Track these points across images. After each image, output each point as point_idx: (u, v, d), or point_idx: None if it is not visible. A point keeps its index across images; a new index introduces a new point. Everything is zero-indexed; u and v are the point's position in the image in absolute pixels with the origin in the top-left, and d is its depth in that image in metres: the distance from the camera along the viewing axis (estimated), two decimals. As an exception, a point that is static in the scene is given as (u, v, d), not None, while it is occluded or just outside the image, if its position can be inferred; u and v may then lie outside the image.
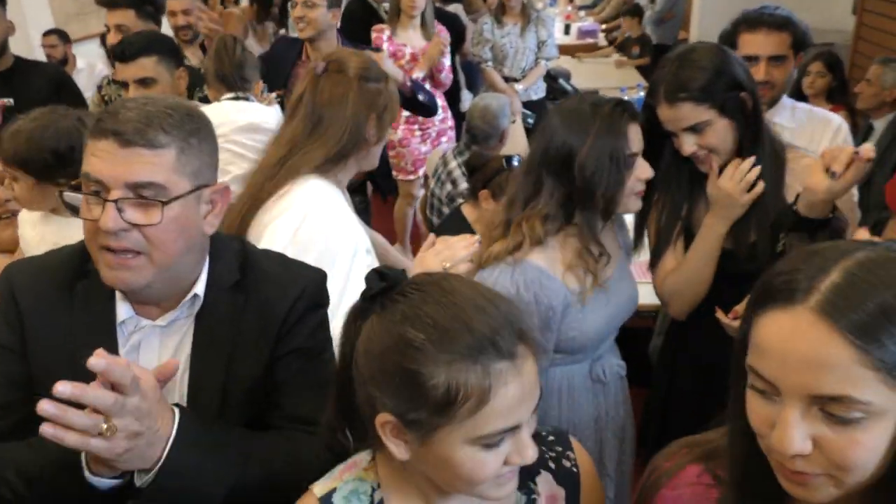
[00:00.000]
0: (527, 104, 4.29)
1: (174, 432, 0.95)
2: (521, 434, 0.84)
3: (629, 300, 1.68)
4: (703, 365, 1.80)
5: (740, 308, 1.63)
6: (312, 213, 1.52)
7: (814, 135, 2.05)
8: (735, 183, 1.55)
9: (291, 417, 1.12)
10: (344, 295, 1.48)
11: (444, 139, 3.96)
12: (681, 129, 1.54)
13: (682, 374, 1.87)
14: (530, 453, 0.85)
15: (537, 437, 0.93)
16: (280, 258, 1.25)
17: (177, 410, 0.98)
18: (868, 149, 1.38)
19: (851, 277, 0.67)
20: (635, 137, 1.49)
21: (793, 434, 0.68)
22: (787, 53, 1.97)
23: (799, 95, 3.55)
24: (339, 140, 1.58)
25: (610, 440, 1.72)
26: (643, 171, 1.51)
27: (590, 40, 6.92)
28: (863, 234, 1.28)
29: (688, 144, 1.55)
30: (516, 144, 3.94)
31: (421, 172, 3.98)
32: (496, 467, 0.83)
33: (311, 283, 1.18)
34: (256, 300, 1.13)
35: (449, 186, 3.17)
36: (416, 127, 3.90)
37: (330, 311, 1.24)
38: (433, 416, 0.80)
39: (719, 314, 1.62)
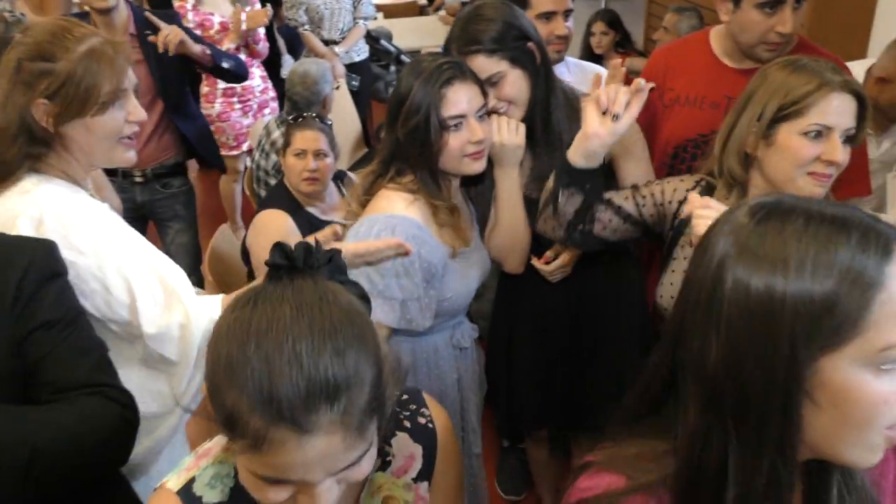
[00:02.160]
0: (349, 67, 4.21)
1: None
2: (314, 489, 0.75)
3: (488, 263, 1.73)
4: (539, 311, 1.89)
5: (550, 253, 1.72)
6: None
7: (590, 87, 2.19)
8: (504, 131, 1.59)
9: (65, 388, 1.08)
10: None
11: (266, 111, 3.82)
12: None
13: (522, 322, 1.95)
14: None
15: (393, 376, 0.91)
16: None
17: None
18: (639, 81, 1.41)
19: None
20: (459, 98, 1.48)
21: None
22: (572, 7, 2.08)
23: (591, 55, 3.90)
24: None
25: (470, 397, 1.77)
26: (473, 133, 1.50)
27: (410, -1, 6.89)
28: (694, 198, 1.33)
29: (489, 99, 1.57)
30: (343, 109, 3.88)
31: (245, 147, 3.82)
32: (275, 498, 0.76)
33: (37, 255, 1.12)
34: None
35: (274, 157, 3.06)
36: (234, 100, 3.73)
37: None
38: (223, 426, 0.75)
39: (534, 261, 1.70)
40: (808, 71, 1.27)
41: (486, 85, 1.56)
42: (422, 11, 6.95)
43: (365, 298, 0.85)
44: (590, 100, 1.40)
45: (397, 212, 1.51)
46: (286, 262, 0.79)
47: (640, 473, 0.76)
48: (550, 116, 1.63)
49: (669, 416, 0.76)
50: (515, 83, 1.58)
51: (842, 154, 1.26)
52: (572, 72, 2.22)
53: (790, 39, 1.74)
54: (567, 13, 2.04)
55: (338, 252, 0.84)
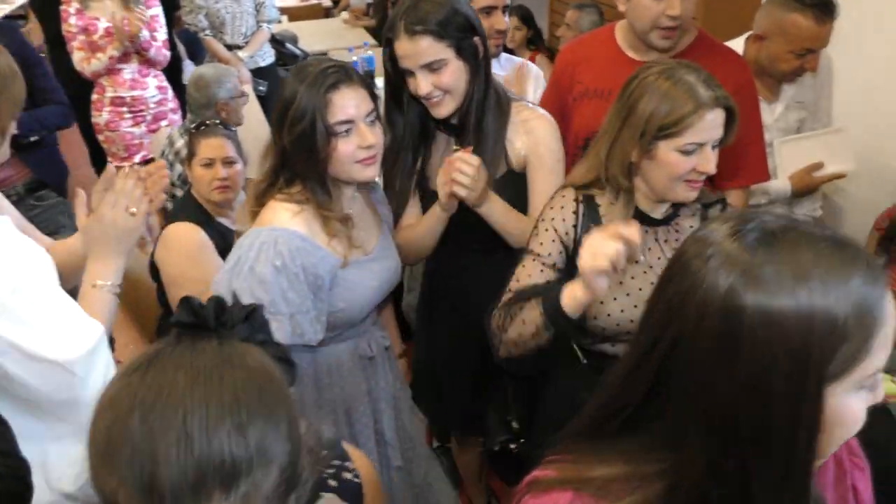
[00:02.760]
0: (255, 72, 4.09)
1: None
2: None
3: (394, 273, 1.68)
4: (460, 311, 1.89)
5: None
6: None
7: (519, 81, 2.26)
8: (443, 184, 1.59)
9: None
10: None
11: (163, 122, 3.64)
12: (418, 65, 1.55)
13: (441, 322, 1.95)
14: None
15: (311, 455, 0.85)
16: None
17: None
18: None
19: None
20: (346, 103, 1.44)
21: None
22: (509, 2, 2.15)
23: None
24: None
25: (384, 409, 1.72)
26: (363, 138, 1.46)
27: (313, 1, 6.80)
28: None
29: (424, 83, 1.57)
30: (251, 115, 3.76)
31: (137, 158, 3.64)
32: None
33: None
34: None
35: (179, 167, 2.94)
36: (124, 109, 3.55)
37: None
38: None
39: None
40: (684, 87, 1.34)
41: (424, 69, 1.56)
42: (327, 14, 6.88)
43: (286, 361, 0.76)
44: (600, 268, 1.21)
45: (281, 224, 1.46)
46: (194, 321, 0.69)
47: (617, 495, 0.73)
48: (484, 116, 1.64)
49: (640, 438, 0.74)
50: (455, 73, 1.57)
51: (712, 164, 1.38)
52: (503, 65, 2.29)
53: (685, 26, 1.80)
54: (505, 8, 2.09)
55: (258, 307, 0.75)
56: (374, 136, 1.47)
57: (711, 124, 1.35)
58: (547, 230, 1.48)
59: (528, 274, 1.47)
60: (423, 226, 1.72)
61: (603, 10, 3.70)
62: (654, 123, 1.35)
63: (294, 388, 1.54)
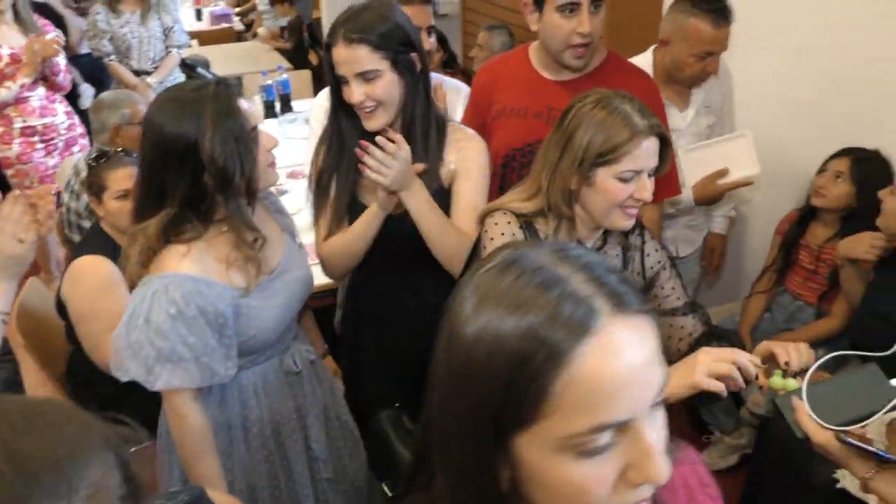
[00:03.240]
0: (165, 98, 3.98)
1: None
2: None
3: (304, 283, 1.64)
4: (381, 321, 1.87)
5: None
6: None
7: (451, 101, 2.29)
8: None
9: None
10: None
11: (75, 148, 3.50)
12: (353, 73, 1.56)
13: (365, 331, 1.93)
14: None
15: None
16: None
17: None
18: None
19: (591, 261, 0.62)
20: (249, 111, 1.44)
21: (662, 452, 0.58)
22: (434, 23, 2.22)
23: None
24: None
25: (313, 424, 1.70)
26: (268, 140, 1.47)
27: (224, 25, 6.69)
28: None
29: (357, 92, 1.57)
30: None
31: (53, 190, 3.48)
32: None
33: None
34: None
35: (86, 197, 2.80)
36: (36, 139, 3.39)
37: None
38: None
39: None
40: (620, 116, 1.38)
41: (359, 78, 1.57)
42: (239, 38, 6.77)
43: None
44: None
45: (171, 268, 1.40)
46: None
47: None
48: (430, 132, 1.65)
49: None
50: (388, 86, 1.58)
51: (649, 191, 1.42)
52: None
53: (596, 45, 1.85)
54: (430, 29, 2.15)
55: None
56: (273, 139, 1.49)
57: (647, 152, 1.39)
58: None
59: None
60: (355, 229, 1.69)
61: (513, 31, 3.79)
62: (593, 151, 1.39)
63: (220, 411, 1.52)
